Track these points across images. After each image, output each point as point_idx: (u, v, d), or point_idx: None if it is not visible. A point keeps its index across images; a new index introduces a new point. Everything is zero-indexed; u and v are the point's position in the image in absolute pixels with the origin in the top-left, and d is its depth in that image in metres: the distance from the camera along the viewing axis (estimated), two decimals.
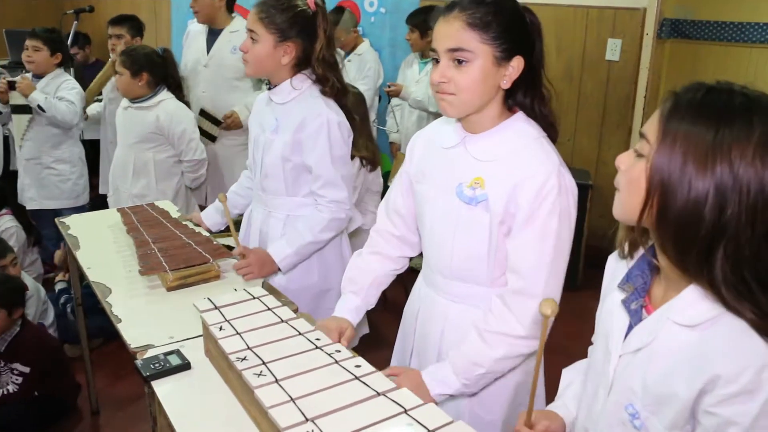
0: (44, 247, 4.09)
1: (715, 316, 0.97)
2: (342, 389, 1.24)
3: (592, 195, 4.09)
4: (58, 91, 3.83)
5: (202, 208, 3.39)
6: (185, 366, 1.52)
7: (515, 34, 1.41)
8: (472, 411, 1.60)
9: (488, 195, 1.46)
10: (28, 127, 3.88)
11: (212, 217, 2.45)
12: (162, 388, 1.46)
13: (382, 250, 1.74)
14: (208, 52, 3.80)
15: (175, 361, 1.53)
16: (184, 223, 2.38)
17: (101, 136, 4.53)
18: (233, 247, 2.14)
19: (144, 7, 6.30)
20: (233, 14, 3.90)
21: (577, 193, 1.47)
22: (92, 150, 4.59)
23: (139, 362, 1.53)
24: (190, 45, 3.95)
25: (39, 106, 3.70)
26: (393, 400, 1.21)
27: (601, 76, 4.31)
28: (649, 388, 1.04)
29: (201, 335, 1.60)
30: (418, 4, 4.81)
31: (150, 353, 1.59)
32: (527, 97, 1.48)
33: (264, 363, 1.31)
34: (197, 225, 2.43)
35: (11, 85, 3.79)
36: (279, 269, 2.12)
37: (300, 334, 1.45)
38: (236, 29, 3.77)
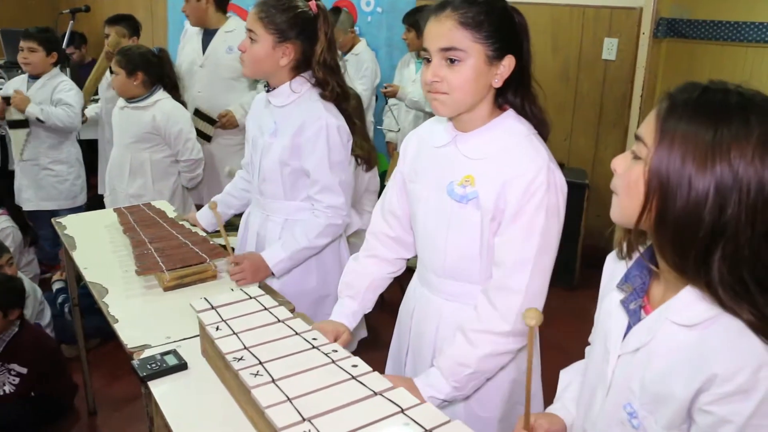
0: (41, 248, 4.08)
1: (714, 315, 0.97)
2: (339, 389, 1.24)
3: (589, 194, 4.10)
4: (56, 93, 3.83)
5: (198, 207, 3.39)
6: (182, 366, 1.52)
7: (506, 33, 1.42)
8: (469, 409, 1.60)
9: (479, 193, 1.47)
10: (26, 141, 3.89)
11: (207, 217, 2.44)
12: (159, 388, 1.45)
13: (379, 253, 1.74)
14: (203, 52, 3.81)
15: (171, 361, 1.53)
16: (180, 223, 2.38)
17: (99, 136, 4.53)
18: (233, 249, 2.13)
19: (140, 6, 6.29)
20: (229, 14, 3.90)
21: (566, 191, 1.47)
22: (89, 150, 4.59)
23: (135, 362, 1.53)
24: (185, 45, 3.96)
25: (37, 119, 3.71)
26: (390, 400, 1.21)
27: (598, 75, 4.32)
28: (647, 388, 1.04)
29: (198, 335, 1.60)
30: (414, 3, 4.81)
31: (147, 353, 1.59)
32: (517, 96, 1.49)
33: (261, 363, 1.31)
34: (194, 225, 2.43)
35: (6, 101, 3.78)
36: (272, 274, 2.10)
37: (297, 333, 1.45)
38: (231, 29, 3.77)
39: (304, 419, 1.14)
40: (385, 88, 4.50)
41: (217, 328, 1.45)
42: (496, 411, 1.62)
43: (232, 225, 2.60)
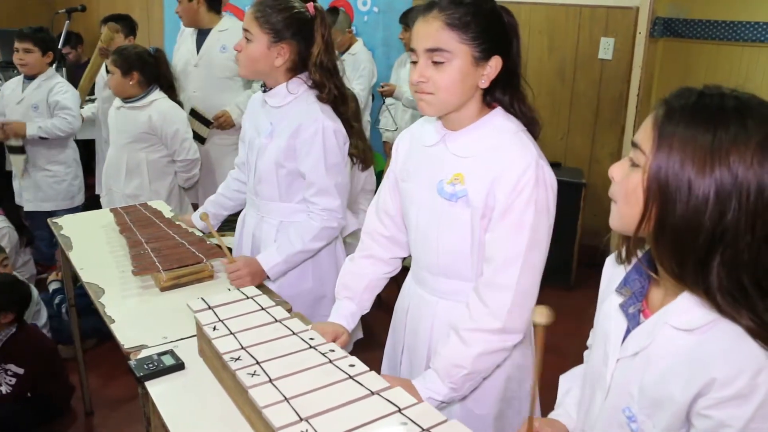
0: (37, 248, 4.08)
1: (713, 320, 0.97)
2: (336, 388, 1.24)
3: (586, 194, 4.10)
4: (52, 96, 3.83)
5: (195, 207, 3.39)
6: (179, 366, 1.52)
7: (493, 34, 1.42)
8: (464, 407, 1.61)
9: (468, 190, 1.47)
10: (25, 167, 3.93)
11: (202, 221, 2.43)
12: (156, 388, 1.45)
13: (374, 253, 1.75)
14: (197, 52, 3.81)
15: (168, 361, 1.52)
16: (177, 223, 2.38)
17: (96, 136, 4.52)
18: (230, 248, 2.13)
19: (137, 6, 6.28)
20: (225, 13, 3.90)
21: (556, 187, 1.47)
22: (85, 150, 4.58)
23: (132, 362, 1.52)
24: (180, 46, 3.96)
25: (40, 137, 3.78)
26: (387, 399, 1.21)
27: (594, 75, 4.33)
28: (646, 392, 1.04)
29: (195, 335, 1.60)
30: (411, 3, 4.81)
31: (143, 353, 1.58)
32: (506, 94, 1.49)
33: (258, 363, 1.31)
34: (190, 226, 2.42)
35: (2, 127, 3.81)
36: (268, 277, 2.10)
37: (294, 333, 1.44)
38: (225, 28, 3.79)
39: (301, 419, 1.14)
40: (382, 87, 4.51)
41: (214, 328, 1.44)
42: (492, 408, 1.62)
43: (229, 224, 2.60)
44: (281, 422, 1.13)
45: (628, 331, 1.11)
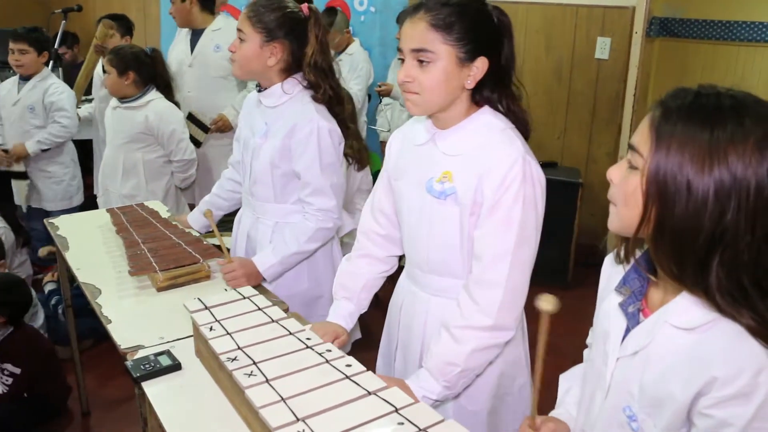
0: (33, 248, 4.07)
1: (713, 319, 0.97)
2: (333, 389, 1.24)
3: (583, 193, 4.10)
4: (47, 97, 3.83)
5: (192, 207, 3.38)
6: (176, 366, 1.51)
7: (480, 35, 1.42)
8: (457, 402, 1.61)
9: (457, 188, 1.48)
10: (29, 190, 3.98)
11: (199, 220, 2.43)
12: (152, 388, 1.45)
13: (371, 252, 1.75)
14: (191, 52, 3.82)
15: (165, 361, 1.52)
16: (174, 223, 2.38)
17: (93, 136, 4.51)
18: (227, 249, 2.13)
19: (133, 6, 6.27)
20: (222, 13, 3.89)
21: (544, 183, 1.48)
22: (82, 151, 4.57)
23: (129, 363, 1.52)
24: (175, 46, 3.97)
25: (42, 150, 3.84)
26: (384, 399, 1.21)
27: (591, 74, 4.33)
28: (646, 391, 1.04)
29: (191, 336, 1.60)
30: (407, 2, 4.81)
31: (140, 354, 1.58)
32: (494, 93, 1.50)
33: (254, 363, 1.31)
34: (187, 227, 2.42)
35: (5, 152, 3.86)
36: (264, 279, 2.09)
37: (290, 333, 1.44)
38: (218, 27, 3.80)
39: (298, 419, 1.14)
40: (379, 86, 4.51)
41: (211, 329, 1.44)
42: (485, 405, 1.63)
43: (225, 224, 2.59)
44: (278, 422, 1.13)
45: (627, 330, 1.11)
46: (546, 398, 1.33)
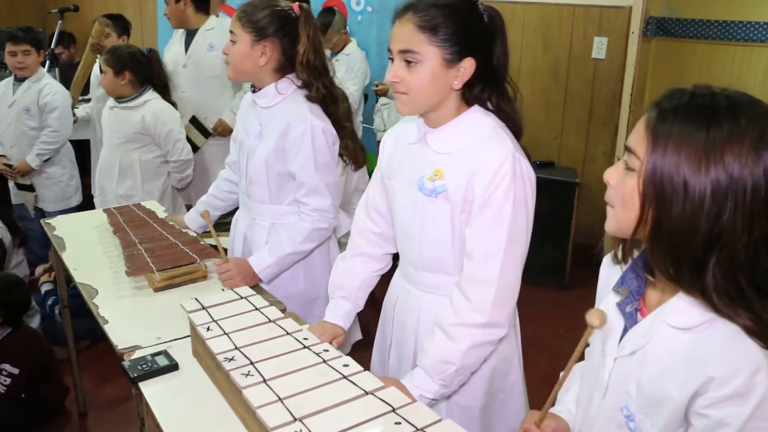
0: (30, 249, 4.06)
1: (710, 319, 0.97)
2: (330, 388, 1.24)
3: (580, 193, 4.10)
4: (42, 97, 3.83)
5: (188, 208, 3.38)
6: (173, 367, 1.51)
7: (467, 36, 1.43)
8: (450, 399, 1.62)
9: (447, 186, 1.49)
10: (35, 200, 4.01)
11: (196, 220, 2.43)
12: (150, 389, 1.45)
13: (366, 251, 1.76)
14: (186, 52, 3.83)
15: (162, 361, 1.52)
16: (170, 223, 2.37)
17: (91, 136, 4.51)
18: (225, 249, 2.12)
19: (129, 6, 6.26)
20: (220, 14, 3.89)
21: (534, 180, 1.49)
22: (79, 151, 4.57)
23: (126, 363, 1.52)
24: (170, 47, 3.97)
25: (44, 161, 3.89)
26: (381, 399, 1.21)
27: (588, 74, 4.34)
28: (644, 391, 1.04)
29: (188, 336, 1.59)
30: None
31: (137, 354, 1.58)
32: (484, 92, 1.50)
33: (252, 363, 1.31)
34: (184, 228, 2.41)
35: (9, 167, 3.89)
36: (261, 280, 2.09)
37: (288, 333, 1.44)
38: (211, 27, 3.81)
39: (295, 419, 1.14)
40: (376, 86, 4.51)
41: (208, 329, 1.44)
42: (478, 401, 1.63)
43: (223, 225, 2.59)
44: (275, 422, 1.13)
45: (625, 330, 1.11)
46: (542, 398, 1.34)
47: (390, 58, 1.50)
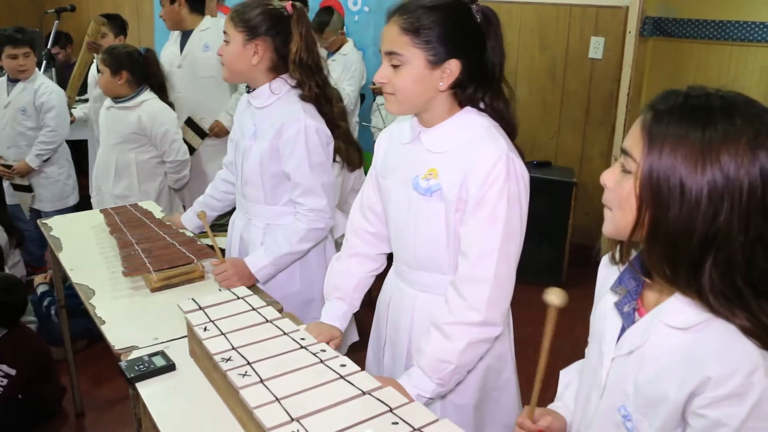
0: (27, 249, 4.05)
1: (707, 318, 0.97)
2: (327, 388, 1.24)
3: (577, 192, 4.11)
4: (38, 97, 3.82)
5: (184, 209, 3.37)
6: (170, 367, 1.51)
7: (452, 37, 1.43)
8: (445, 397, 1.62)
9: (442, 185, 1.50)
10: (32, 200, 4.01)
11: (193, 221, 2.43)
12: (147, 389, 1.45)
13: (361, 251, 1.76)
14: (181, 52, 3.82)
15: (159, 362, 1.52)
16: (167, 223, 2.37)
17: (89, 137, 4.51)
18: (223, 249, 2.12)
19: (126, 5, 6.25)
20: (219, 14, 3.89)
21: (528, 180, 1.50)
22: (77, 151, 4.56)
23: (123, 364, 1.52)
24: (166, 47, 3.97)
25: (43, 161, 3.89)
26: (378, 399, 1.21)
27: (585, 74, 4.34)
28: (641, 390, 1.04)
29: (186, 336, 1.59)
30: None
31: (134, 355, 1.58)
32: (478, 92, 1.51)
33: (249, 363, 1.31)
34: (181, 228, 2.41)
35: (7, 168, 3.88)
36: (257, 280, 2.09)
37: (285, 333, 1.44)
38: (206, 27, 3.81)
39: (292, 419, 1.14)
40: (374, 84, 4.51)
41: (205, 329, 1.44)
42: (472, 399, 1.64)
43: (220, 226, 2.59)
44: (272, 422, 1.13)
45: (623, 330, 1.11)
46: (540, 398, 1.34)
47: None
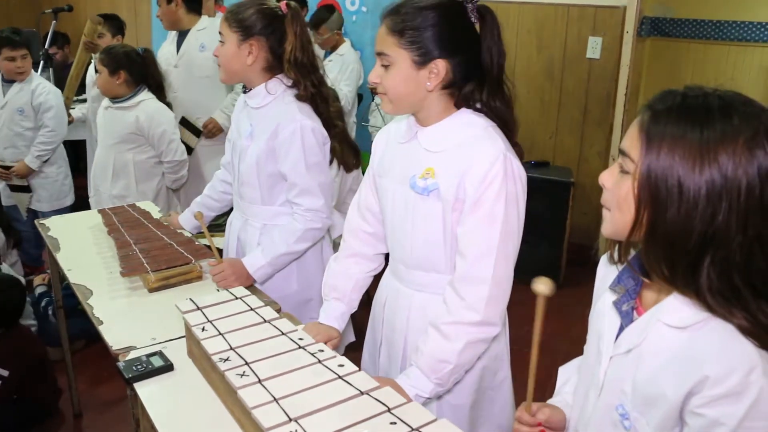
0: (24, 250, 4.04)
1: (705, 318, 0.97)
2: (325, 389, 1.24)
3: (575, 192, 4.11)
4: (35, 98, 3.81)
5: (182, 209, 3.37)
6: (168, 367, 1.51)
7: (438, 37, 1.43)
8: (441, 397, 1.62)
9: (439, 184, 1.50)
10: (30, 200, 4.00)
11: (190, 221, 2.42)
12: (144, 389, 1.45)
13: (359, 251, 1.76)
14: (177, 52, 3.83)
15: (157, 362, 1.52)
16: (165, 223, 2.37)
17: (87, 137, 4.50)
18: (220, 249, 2.12)
19: (124, 6, 6.25)
20: (218, 14, 3.89)
21: (525, 179, 1.50)
22: (74, 152, 4.56)
23: (121, 364, 1.52)
24: (163, 47, 3.97)
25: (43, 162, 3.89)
26: (376, 399, 1.21)
27: (582, 74, 4.34)
28: (639, 389, 1.04)
29: (183, 336, 1.59)
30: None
31: (132, 355, 1.58)
32: (475, 92, 1.51)
33: (247, 363, 1.31)
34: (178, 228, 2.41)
35: (6, 169, 3.88)
36: (255, 280, 2.08)
37: (283, 334, 1.44)
38: (203, 27, 3.81)
39: (290, 419, 1.14)
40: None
41: (203, 329, 1.44)
42: (468, 399, 1.64)
43: (218, 227, 2.59)
44: (270, 423, 1.13)
45: (621, 329, 1.11)
46: (537, 397, 1.34)
47: None
